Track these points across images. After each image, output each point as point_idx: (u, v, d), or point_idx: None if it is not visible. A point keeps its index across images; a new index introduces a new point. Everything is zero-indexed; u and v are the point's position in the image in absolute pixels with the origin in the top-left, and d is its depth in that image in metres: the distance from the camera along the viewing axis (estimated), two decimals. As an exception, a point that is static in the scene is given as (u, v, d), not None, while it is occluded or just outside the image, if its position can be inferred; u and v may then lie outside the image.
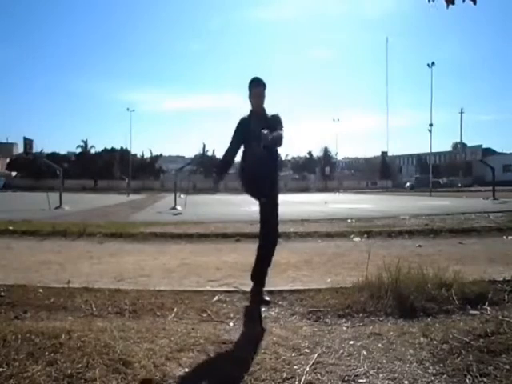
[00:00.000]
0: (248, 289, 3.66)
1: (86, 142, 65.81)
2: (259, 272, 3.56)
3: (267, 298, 3.45)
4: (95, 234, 8.05)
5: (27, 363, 2.15)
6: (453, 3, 2.55)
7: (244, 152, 3.55)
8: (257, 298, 3.46)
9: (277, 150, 3.62)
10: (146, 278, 4.49)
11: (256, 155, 3.36)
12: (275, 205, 3.54)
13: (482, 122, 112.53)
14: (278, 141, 3.36)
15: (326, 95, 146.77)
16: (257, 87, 3.49)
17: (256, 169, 3.40)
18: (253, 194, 3.55)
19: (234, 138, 3.59)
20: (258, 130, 3.36)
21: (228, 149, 3.62)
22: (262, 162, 3.38)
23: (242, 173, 3.58)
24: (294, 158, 77.04)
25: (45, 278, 4.38)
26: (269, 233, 3.53)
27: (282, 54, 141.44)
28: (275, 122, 3.50)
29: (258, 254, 3.57)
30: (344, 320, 3.06)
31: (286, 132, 3.51)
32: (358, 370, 2.22)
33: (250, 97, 3.53)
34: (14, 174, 63.20)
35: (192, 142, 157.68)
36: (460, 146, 60.34)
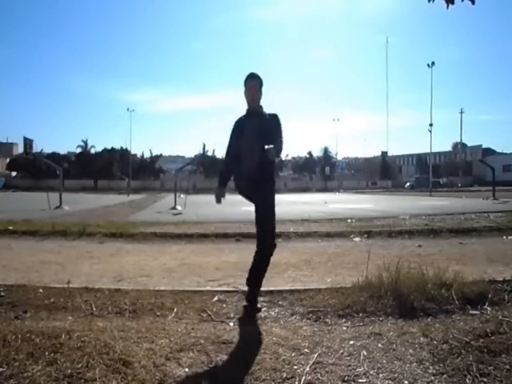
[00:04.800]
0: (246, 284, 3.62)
1: (86, 142, 65.83)
2: (255, 279, 3.44)
3: (258, 305, 3.37)
4: (95, 234, 8.06)
5: (27, 363, 2.15)
6: (452, 3, 2.56)
7: (239, 152, 3.39)
8: (252, 302, 3.39)
9: (273, 161, 3.46)
10: (146, 278, 4.49)
11: (251, 157, 3.27)
12: (272, 207, 3.40)
13: (482, 122, 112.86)
14: (279, 153, 3.36)
15: (326, 95, 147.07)
16: (252, 80, 3.40)
17: (251, 169, 3.29)
18: (247, 195, 3.43)
19: (231, 140, 3.48)
20: (255, 129, 3.30)
21: (227, 155, 3.50)
22: (258, 165, 3.28)
23: (237, 173, 3.45)
24: (294, 157, 77.07)
25: (45, 277, 4.38)
26: (266, 237, 3.38)
27: (281, 54, 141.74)
28: (273, 125, 3.41)
29: (254, 260, 3.43)
30: (344, 320, 3.06)
31: (284, 136, 3.44)
32: (358, 369, 2.22)
33: (246, 92, 3.43)
34: (14, 173, 63.21)
35: (192, 141, 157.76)
36: (460, 146, 60.36)
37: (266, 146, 3.14)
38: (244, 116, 3.50)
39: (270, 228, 3.40)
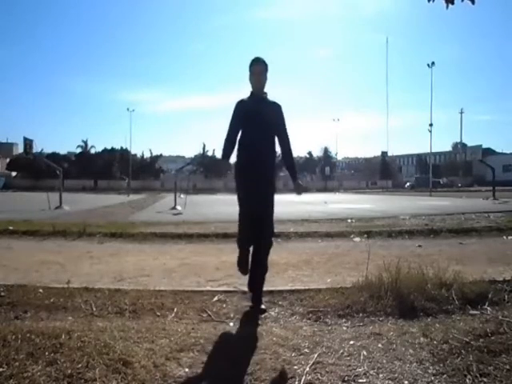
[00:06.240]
0: (247, 289, 3.62)
1: (86, 142, 65.74)
2: (259, 280, 3.42)
3: (263, 307, 3.34)
4: (95, 234, 8.05)
5: (27, 363, 2.15)
6: (452, 3, 2.56)
7: (242, 137, 3.35)
8: (257, 303, 3.37)
9: (274, 148, 3.46)
10: (146, 278, 4.48)
11: (255, 142, 3.29)
12: (272, 204, 3.40)
13: (482, 122, 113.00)
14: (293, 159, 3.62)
15: (326, 95, 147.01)
16: (257, 65, 3.35)
17: (255, 155, 3.29)
18: (248, 188, 3.34)
19: (232, 121, 3.40)
20: (263, 117, 3.30)
21: (227, 135, 3.40)
22: (262, 151, 3.32)
23: (239, 159, 3.41)
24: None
25: (45, 277, 4.38)
26: (265, 235, 3.37)
27: (281, 54, 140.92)
28: (277, 114, 3.42)
29: (253, 260, 3.40)
30: (344, 320, 3.06)
31: (288, 129, 3.47)
32: (358, 370, 2.22)
33: (251, 77, 3.38)
34: (14, 174, 63.19)
35: (192, 141, 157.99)
36: (460, 146, 60.42)
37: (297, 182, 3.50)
38: (248, 99, 3.43)
39: (269, 224, 3.42)
